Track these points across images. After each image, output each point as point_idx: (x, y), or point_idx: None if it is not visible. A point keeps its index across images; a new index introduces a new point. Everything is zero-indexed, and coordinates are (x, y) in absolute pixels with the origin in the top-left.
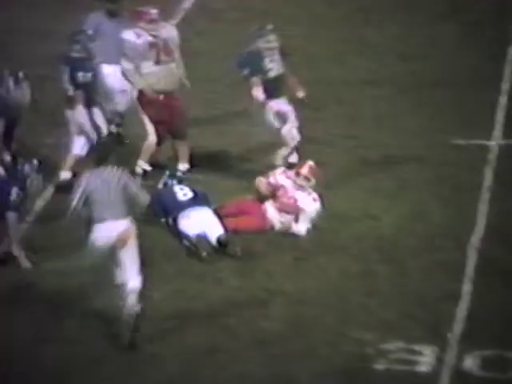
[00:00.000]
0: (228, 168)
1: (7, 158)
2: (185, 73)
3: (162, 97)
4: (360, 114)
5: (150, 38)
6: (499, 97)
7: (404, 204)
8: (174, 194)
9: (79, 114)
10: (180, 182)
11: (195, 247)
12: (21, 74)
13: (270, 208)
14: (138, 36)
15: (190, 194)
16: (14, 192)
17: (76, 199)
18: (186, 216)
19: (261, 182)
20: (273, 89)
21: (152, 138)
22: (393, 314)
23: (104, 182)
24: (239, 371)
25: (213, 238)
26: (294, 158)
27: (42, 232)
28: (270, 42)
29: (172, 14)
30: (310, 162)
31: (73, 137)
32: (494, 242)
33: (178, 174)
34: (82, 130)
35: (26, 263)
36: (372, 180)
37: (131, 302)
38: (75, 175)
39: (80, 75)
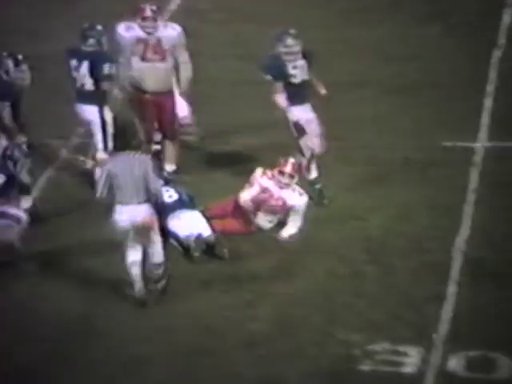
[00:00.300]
0: (219, 169)
1: (22, 139)
2: (189, 76)
3: (148, 96)
4: (346, 115)
5: (140, 34)
6: (484, 99)
7: (391, 205)
8: None
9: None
10: (167, 183)
11: (184, 248)
12: (20, 56)
13: (245, 199)
14: (127, 29)
15: (175, 196)
16: (1, 178)
17: (101, 183)
18: (176, 217)
19: (246, 203)
20: (296, 95)
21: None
22: (379, 315)
23: (126, 166)
24: (227, 372)
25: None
26: (313, 174)
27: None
28: (289, 47)
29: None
30: (292, 159)
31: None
32: (479, 244)
33: (164, 174)
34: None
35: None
36: (358, 181)
37: (157, 274)
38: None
39: (106, 67)
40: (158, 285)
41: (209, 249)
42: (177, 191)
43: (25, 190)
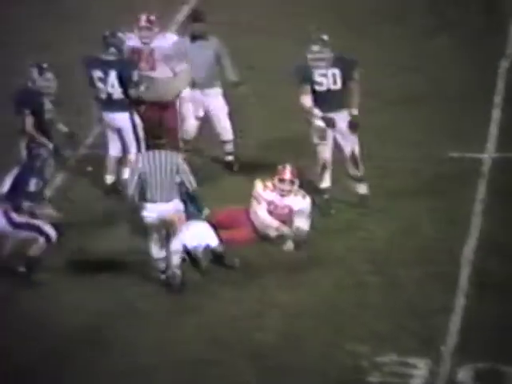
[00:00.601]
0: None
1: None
2: (181, 86)
3: (141, 107)
4: None
5: (134, 44)
6: (492, 110)
7: (397, 216)
8: None
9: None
10: None
11: (192, 259)
12: (45, 65)
13: (266, 217)
14: (129, 40)
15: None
16: (33, 183)
17: (132, 182)
18: (184, 227)
19: (269, 221)
20: (321, 103)
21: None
22: (387, 327)
23: (157, 164)
24: (234, 382)
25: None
26: (326, 183)
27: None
28: (313, 53)
29: (166, 26)
30: (288, 166)
31: (109, 140)
32: (486, 255)
33: None
34: (121, 133)
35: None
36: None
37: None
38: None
39: (135, 75)
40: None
41: (218, 259)
42: (183, 201)
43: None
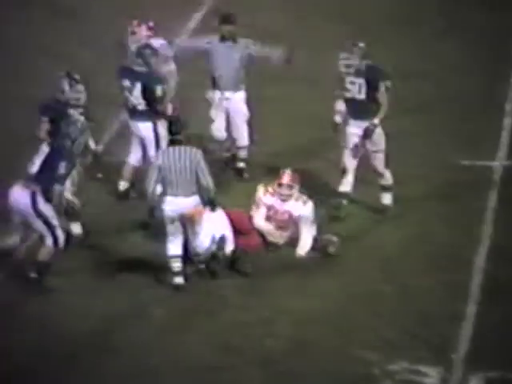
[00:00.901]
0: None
1: None
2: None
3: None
4: None
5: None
6: (503, 118)
7: (408, 224)
8: None
9: (162, 127)
10: None
11: (205, 262)
12: (77, 76)
13: (260, 221)
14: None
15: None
16: (63, 165)
17: (153, 178)
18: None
19: (262, 227)
20: (349, 110)
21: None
22: (398, 335)
23: (177, 159)
24: None
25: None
26: (344, 187)
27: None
28: (342, 60)
29: (178, 33)
30: (288, 170)
31: (132, 147)
32: (498, 263)
33: None
34: (143, 143)
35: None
36: (376, 199)
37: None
38: (133, 185)
39: (158, 90)
40: (200, 265)
41: (231, 263)
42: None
43: (74, 215)
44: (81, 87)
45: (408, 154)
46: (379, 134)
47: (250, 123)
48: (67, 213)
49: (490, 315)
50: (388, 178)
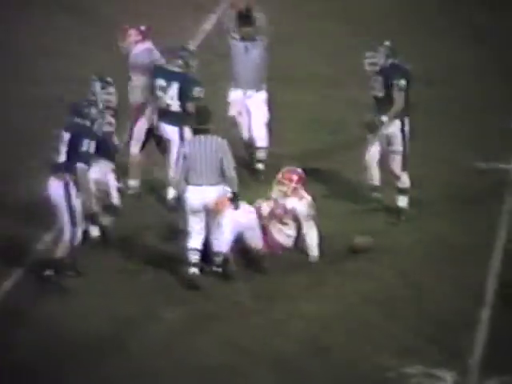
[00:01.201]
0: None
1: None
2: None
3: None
4: None
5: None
6: None
7: (424, 227)
8: None
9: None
10: None
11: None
12: (109, 79)
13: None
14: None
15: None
16: (84, 143)
17: (179, 165)
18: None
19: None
20: (375, 105)
21: (133, 151)
22: (413, 338)
23: (202, 148)
24: None
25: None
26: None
27: None
28: (367, 58)
29: (193, 36)
30: (286, 168)
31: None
32: None
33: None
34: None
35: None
36: (392, 201)
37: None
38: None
39: (196, 90)
40: (217, 268)
41: (255, 261)
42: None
43: (113, 211)
44: (112, 89)
45: (423, 157)
46: (395, 135)
47: (269, 125)
48: (87, 215)
49: (506, 319)
50: (404, 181)
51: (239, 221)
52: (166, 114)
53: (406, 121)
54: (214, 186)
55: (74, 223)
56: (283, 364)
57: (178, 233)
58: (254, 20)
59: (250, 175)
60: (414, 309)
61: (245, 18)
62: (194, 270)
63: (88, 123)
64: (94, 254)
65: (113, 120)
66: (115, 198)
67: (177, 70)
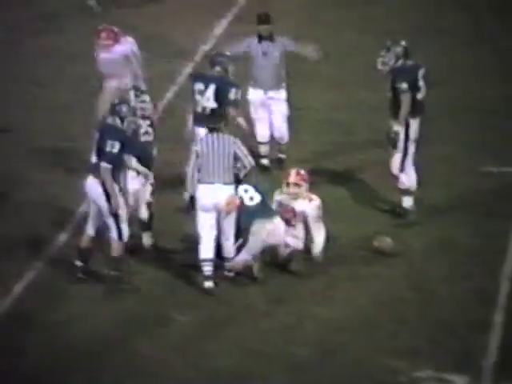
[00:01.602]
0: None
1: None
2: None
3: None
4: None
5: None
6: None
7: (433, 230)
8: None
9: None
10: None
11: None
12: (143, 87)
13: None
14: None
15: (257, 198)
16: (109, 144)
17: (192, 162)
18: (260, 225)
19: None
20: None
21: None
22: (424, 342)
23: (214, 147)
24: None
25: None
26: (407, 203)
27: None
28: (381, 57)
29: (204, 40)
30: (294, 170)
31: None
32: None
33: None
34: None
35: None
36: (399, 203)
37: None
38: None
39: (232, 92)
40: (228, 273)
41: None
42: (258, 192)
43: (145, 226)
44: (146, 97)
45: (432, 160)
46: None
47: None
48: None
49: None
50: (403, 182)
51: (267, 241)
52: (201, 119)
53: (411, 122)
54: (225, 184)
55: (117, 220)
56: (295, 367)
57: (192, 236)
58: (270, 19)
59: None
60: (424, 312)
61: (262, 17)
62: (208, 284)
63: (118, 121)
64: (101, 259)
65: (150, 129)
66: (143, 213)
67: (214, 74)
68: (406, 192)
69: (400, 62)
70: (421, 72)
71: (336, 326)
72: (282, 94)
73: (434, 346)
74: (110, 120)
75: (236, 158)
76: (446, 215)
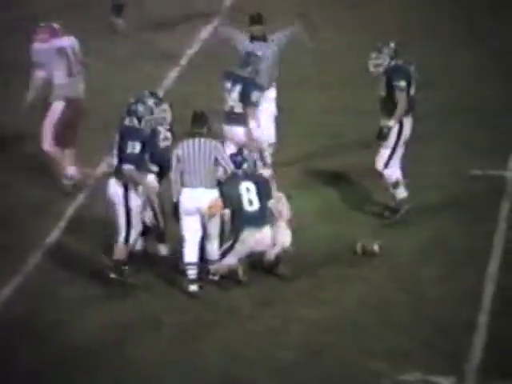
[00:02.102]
0: None
1: None
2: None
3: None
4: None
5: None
6: None
7: (422, 232)
8: (239, 199)
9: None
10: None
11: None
12: (160, 95)
13: None
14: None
15: (255, 203)
16: (129, 145)
17: (173, 167)
18: (256, 232)
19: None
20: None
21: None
22: (410, 344)
23: (195, 151)
24: None
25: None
26: (401, 195)
27: None
28: (372, 59)
29: (190, 44)
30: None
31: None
32: (511, 272)
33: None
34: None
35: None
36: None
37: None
38: None
39: (254, 95)
40: (213, 276)
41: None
42: (259, 195)
43: (161, 237)
44: (166, 106)
45: (421, 162)
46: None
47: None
48: (154, 233)
49: (504, 324)
50: (389, 177)
51: (254, 247)
52: (231, 117)
53: (405, 120)
54: (207, 188)
55: (129, 224)
56: (281, 370)
57: (178, 239)
58: (262, 19)
59: None
60: (411, 313)
61: (255, 17)
62: (193, 288)
63: (136, 122)
64: (91, 263)
65: (169, 134)
66: (147, 218)
67: (242, 73)
68: (396, 185)
69: (393, 62)
70: (412, 68)
71: (322, 328)
72: (272, 93)
73: (421, 348)
74: (127, 121)
75: (217, 163)
76: (434, 217)
